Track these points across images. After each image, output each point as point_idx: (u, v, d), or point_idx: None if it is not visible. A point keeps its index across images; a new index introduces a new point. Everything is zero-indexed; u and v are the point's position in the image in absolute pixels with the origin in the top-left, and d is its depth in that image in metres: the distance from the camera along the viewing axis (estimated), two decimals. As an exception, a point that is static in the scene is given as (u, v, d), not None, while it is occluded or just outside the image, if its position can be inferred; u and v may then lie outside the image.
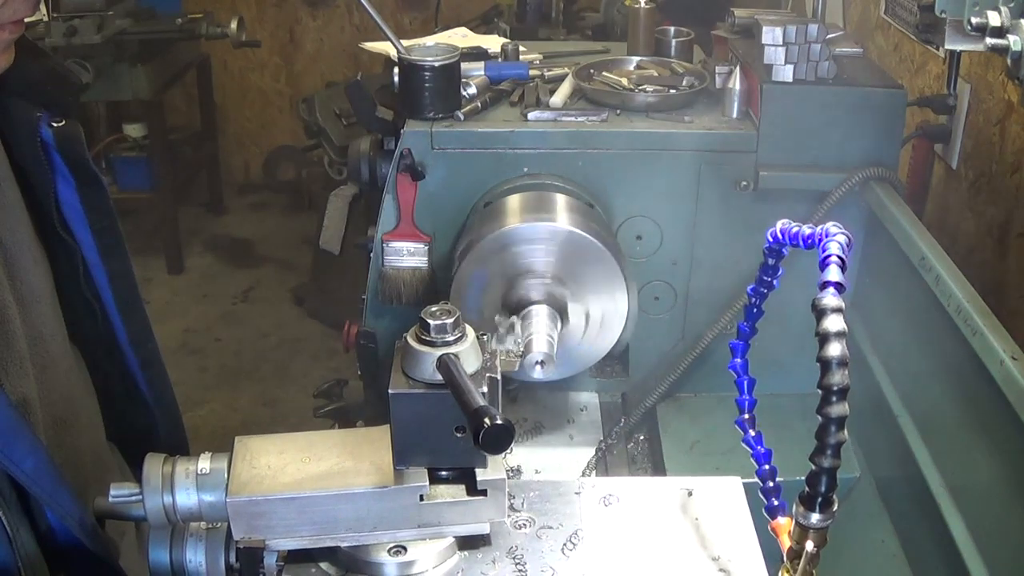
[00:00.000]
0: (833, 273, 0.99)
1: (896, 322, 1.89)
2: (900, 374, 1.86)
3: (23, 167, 1.34)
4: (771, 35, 1.87)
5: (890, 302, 1.93)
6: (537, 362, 1.63)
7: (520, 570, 1.30)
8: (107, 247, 1.43)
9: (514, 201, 1.86)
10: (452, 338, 1.20)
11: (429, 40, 2.14)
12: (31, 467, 1.19)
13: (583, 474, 1.91)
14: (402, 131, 1.90)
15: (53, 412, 1.35)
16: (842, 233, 1.02)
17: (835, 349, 0.96)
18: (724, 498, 1.43)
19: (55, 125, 1.34)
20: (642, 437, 2.08)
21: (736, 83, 1.96)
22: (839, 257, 1.00)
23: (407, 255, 1.96)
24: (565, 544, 1.34)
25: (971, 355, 1.47)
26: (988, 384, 1.41)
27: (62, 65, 1.44)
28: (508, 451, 1.90)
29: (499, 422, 1.07)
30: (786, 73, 1.88)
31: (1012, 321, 2.03)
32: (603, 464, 1.95)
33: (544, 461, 1.93)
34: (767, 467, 1.27)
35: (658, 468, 1.98)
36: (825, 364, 0.97)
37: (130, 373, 1.53)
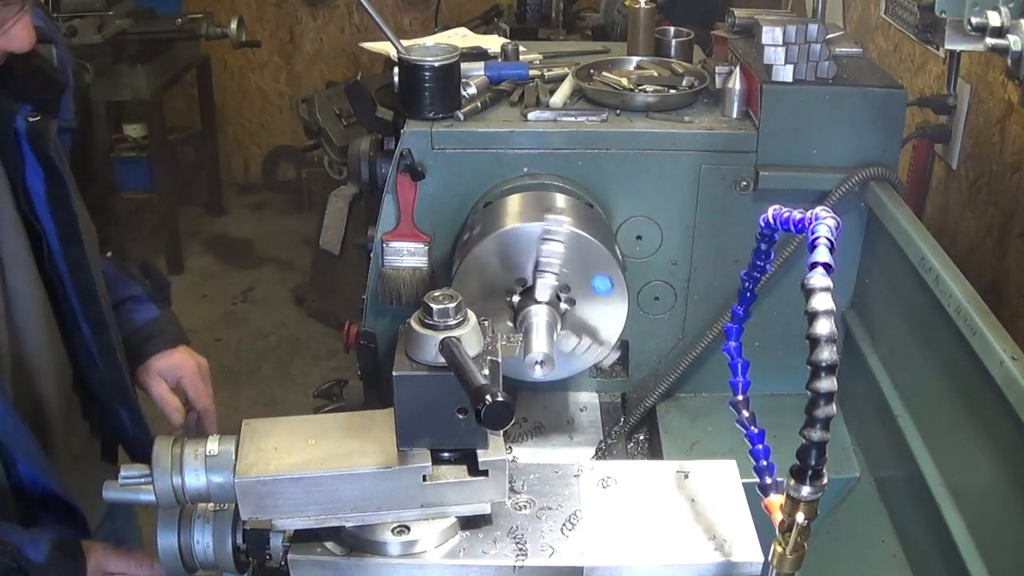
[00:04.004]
0: (821, 254, 1.01)
1: (896, 322, 1.89)
2: (900, 374, 1.86)
3: (1, 152, 1.48)
4: (771, 35, 1.86)
5: (890, 302, 1.93)
6: (537, 362, 1.63)
7: (520, 549, 1.33)
8: (66, 237, 1.54)
9: (514, 201, 1.86)
10: (454, 322, 1.24)
11: (429, 40, 2.14)
12: None
13: (583, 474, 1.92)
14: (402, 131, 1.90)
15: (24, 363, 1.51)
16: (831, 217, 1.04)
17: (823, 327, 0.99)
18: (720, 480, 1.46)
19: (31, 120, 1.46)
20: (642, 437, 2.08)
21: (736, 83, 1.96)
22: (828, 239, 1.02)
23: (407, 255, 1.96)
24: (564, 524, 1.37)
25: (971, 355, 1.47)
26: (988, 384, 1.41)
27: (50, 66, 1.56)
28: (509, 449, 1.90)
29: (500, 399, 1.11)
30: (786, 73, 1.88)
31: (1012, 321, 2.03)
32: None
33: (544, 461, 1.93)
34: (760, 446, 1.29)
35: (658, 468, 1.98)
36: (814, 341, 0.99)
37: (90, 354, 1.64)
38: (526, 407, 2.07)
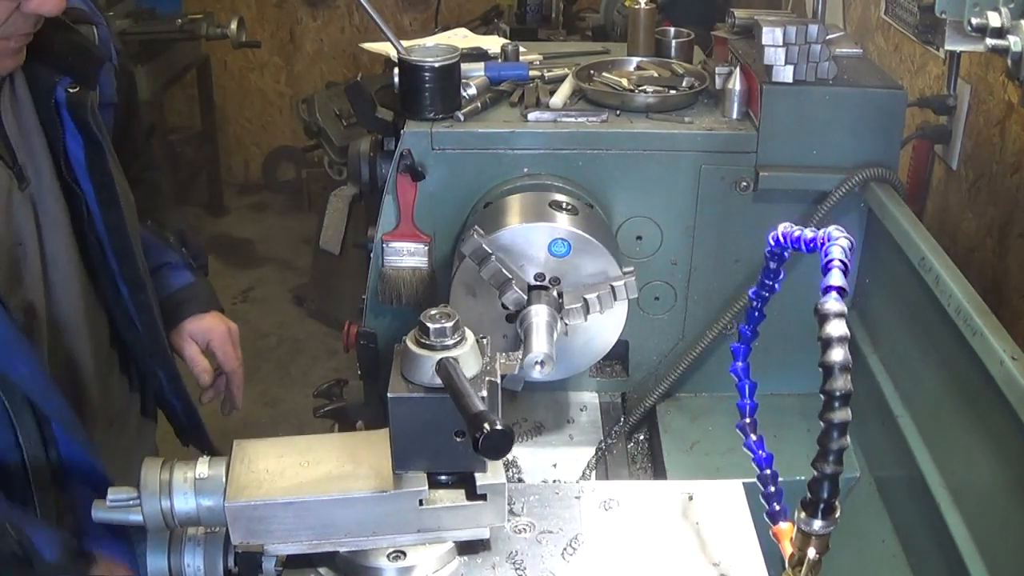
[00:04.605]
0: (835, 278, 0.97)
1: (896, 322, 1.89)
2: (900, 374, 1.86)
3: (43, 122, 1.56)
4: (771, 35, 1.86)
5: (890, 302, 1.93)
6: (537, 362, 1.63)
7: (520, 575, 1.29)
8: (104, 201, 1.61)
9: (514, 201, 1.86)
10: (451, 342, 1.19)
11: (429, 40, 2.14)
12: (27, 372, 1.40)
13: (583, 474, 1.91)
14: (402, 131, 1.90)
15: (59, 320, 1.58)
16: (844, 237, 1.01)
17: (837, 354, 0.95)
18: (725, 502, 1.43)
19: (70, 91, 1.55)
20: (642, 437, 2.08)
21: (736, 83, 1.96)
22: (841, 261, 0.98)
23: (407, 255, 1.96)
24: (565, 549, 1.34)
25: (971, 355, 1.47)
26: (988, 384, 1.41)
27: (89, 42, 1.64)
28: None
29: (498, 428, 1.06)
30: (786, 74, 1.88)
31: (1012, 321, 2.03)
32: (603, 464, 1.95)
33: (544, 461, 1.93)
34: (768, 472, 1.25)
35: (658, 468, 1.98)
36: (827, 369, 0.96)
37: (128, 314, 1.71)
38: (526, 407, 2.08)
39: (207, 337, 1.93)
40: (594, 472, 1.93)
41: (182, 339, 1.91)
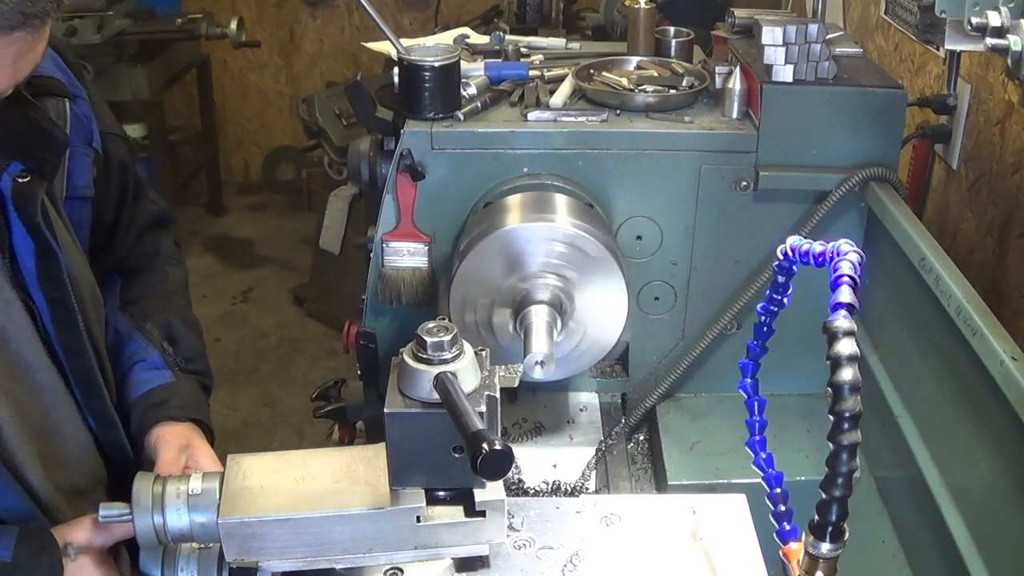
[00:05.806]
0: (844, 294, 0.94)
1: (896, 322, 1.89)
2: (900, 374, 1.86)
3: None
4: (771, 35, 1.86)
5: (890, 302, 1.93)
6: (537, 362, 1.63)
7: None
8: (60, 320, 1.37)
9: (514, 201, 1.86)
10: (450, 355, 1.16)
11: (429, 40, 2.14)
12: None
13: (583, 474, 1.91)
14: (402, 131, 1.90)
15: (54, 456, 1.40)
16: (854, 251, 0.98)
17: (848, 374, 0.92)
18: (728, 517, 1.41)
19: (18, 180, 1.30)
20: (642, 437, 2.08)
21: (736, 83, 1.96)
22: (851, 277, 0.95)
23: (407, 255, 1.96)
24: (566, 565, 1.32)
25: (971, 355, 1.47)
26: (988, 384, 1.41)
27: (49, 121, 1.37)
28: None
29: (498, 447, 1.03)
30: (786, 73, 1.88)
31: (1012, 321, 2.03)
32: (603, 464, 1.95)
33: (544, 461, 1.93)
34: (779, 491, 1.22)
35: (658, 468, 1.98)
36: (837, 389, 0.93)
37: (100, 449, 1.50)
38: (526, 407, 2.07)
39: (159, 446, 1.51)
40: (594, 473, 1.92)
41: (150, 448, 1.53)
